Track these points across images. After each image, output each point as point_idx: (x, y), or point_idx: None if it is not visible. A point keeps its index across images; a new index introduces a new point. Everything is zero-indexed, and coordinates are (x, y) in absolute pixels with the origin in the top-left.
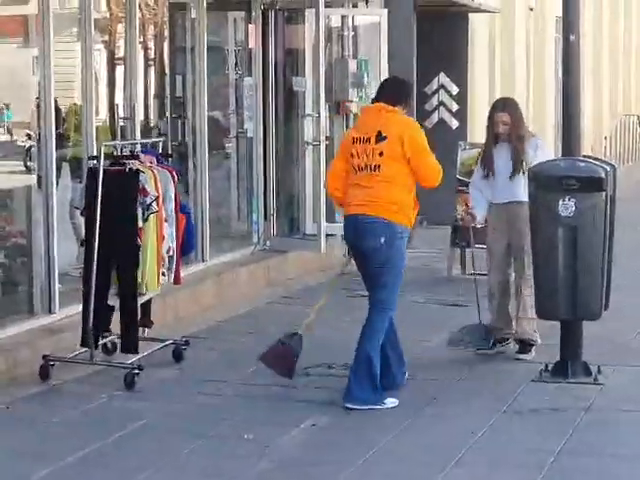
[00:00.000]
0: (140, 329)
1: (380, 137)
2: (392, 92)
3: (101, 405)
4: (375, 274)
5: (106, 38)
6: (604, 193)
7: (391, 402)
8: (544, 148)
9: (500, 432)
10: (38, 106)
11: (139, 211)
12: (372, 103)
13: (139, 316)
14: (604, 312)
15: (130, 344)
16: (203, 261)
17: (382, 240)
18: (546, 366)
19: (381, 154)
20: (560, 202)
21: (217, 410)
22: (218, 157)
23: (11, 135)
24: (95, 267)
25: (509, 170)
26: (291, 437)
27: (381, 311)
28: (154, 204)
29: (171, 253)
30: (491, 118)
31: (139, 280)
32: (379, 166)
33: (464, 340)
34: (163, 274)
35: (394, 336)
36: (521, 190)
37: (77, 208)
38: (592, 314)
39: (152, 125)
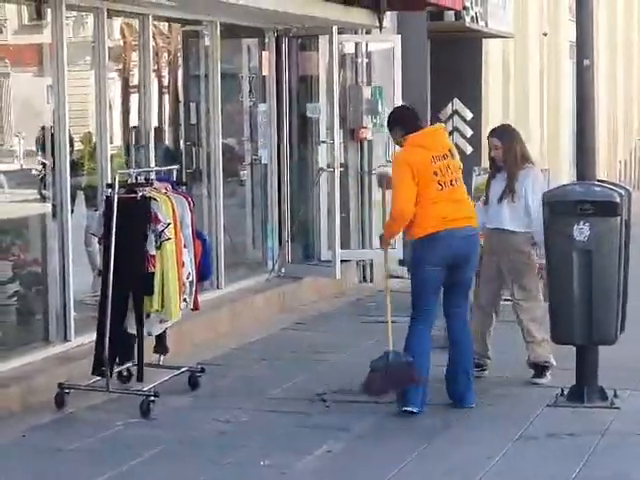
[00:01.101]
0: (157, 356)
1: (452, 153)
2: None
3: (117, 433)
4: (470, 281)
5: (120, 66)
6: (619, 217)
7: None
8: (537, 179)
9: (516, 457)
10: (52, 135)
11: (151, 238)
12: (410, 130)
13: (155, 343)
14: (619, 336)
15: (141, 373)
16: (218, 288)
17: (479, 250)
18: (562, 391)
19: (459, 168)
20: (575, 226)
21: (233, 437)
22: (232, 184)
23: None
24: (110, 295)
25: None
26: (307, 463)
27: (467, 314)
28: (167, 231)
29: (191, 279)
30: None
31: (157, 307)
32: (459, 179)
33: None
34: (184, 300)
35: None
36: (507, 218)
37: (94, 235)
38: (608, 338)
39: (166, 152)
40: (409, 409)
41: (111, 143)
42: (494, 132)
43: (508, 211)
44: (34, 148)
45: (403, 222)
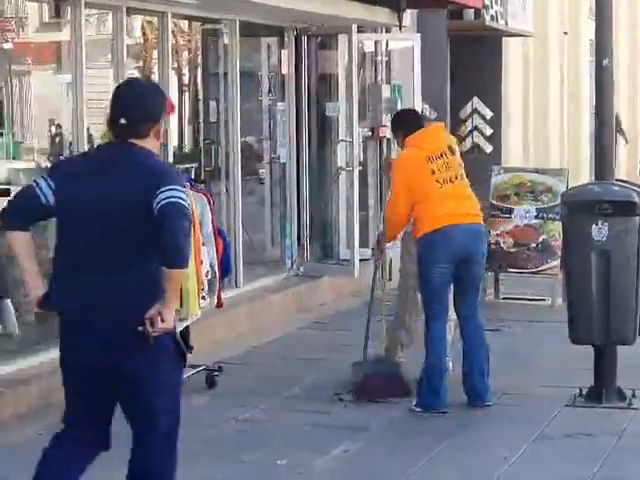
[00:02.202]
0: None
1: (452, 150)
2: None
3: None
4: (479, 277)
5: (139, 64)
6: (638, 217)
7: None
8: None
9: (533, 458)
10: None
11: None
12: (410, 131)
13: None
14: (638, 336)
15: None
16: (236, 286)
17: (486, 245)
18: (580, 391)
19: (460, 164)
20: (593, 226)
21: (250, 436)
22: (251, 182)
23: (48, 161)
24: None
25: None
26: (324, 463)
27: (480, 311)
28: None
29: (210, 277)
30: None
31: (177, 305)
32: (462, 175)
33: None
34: (203, 298)
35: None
36: None
37: None
38: (626, 339)
39: (185, 151)
40: (441, 410)
41: None
42: None
43: None
44: (51, 145)
45: (394, 227)
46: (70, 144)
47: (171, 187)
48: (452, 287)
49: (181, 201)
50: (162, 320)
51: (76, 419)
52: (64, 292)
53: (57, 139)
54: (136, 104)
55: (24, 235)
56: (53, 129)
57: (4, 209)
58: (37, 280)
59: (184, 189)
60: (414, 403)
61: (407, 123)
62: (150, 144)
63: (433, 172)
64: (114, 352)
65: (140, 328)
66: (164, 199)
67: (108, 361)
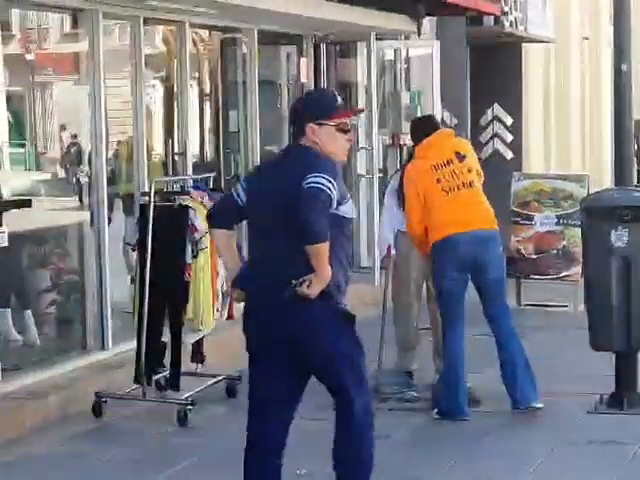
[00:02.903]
0: (194, 365)
1: (460, 156)
2: (436, 123)
3: (154, 441)
4: (496, 283)
5: (158, 74)
6: None
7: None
8: None
9: (555, 465)
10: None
11: (188, 247)
12: (420, 140)
13: (192, 352)
14: None
15: (174, 381)
16: None
17: (501, 249)
18: (601, 398)
19: (469, 171)
20: (613, 232)
21: None
22: None
23: (67, 172)
24: (147, 304)
25: None
26: None
27: (509, 313)
28: (204, 240)
29: (225, 289)
30: None
31: (192, 316)
32: (472, 182)
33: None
34: (217, 310)
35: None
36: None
37: (129, 244)
38: None
39: (205, 160)
40: (462, 418)
41: (149, 151)
42: None
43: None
44: (66, 155)
45: (415, 239)
46: (89, 154)
47: (314, 174)
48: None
49: (317, 185)
50: (308, 286)
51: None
52: (247, 276)
53: (74, 149)
54: (292, 111)
55: (224, 232)
56: (68, 137)
57: (210, 210)
58: (232, 269)
59: (329, 176)
60: (435, 411)
61: (415, 132)
62: (310, 142)
63: (438, 181)
64: (287, 325)
65: (293, 282)
66: (305, 185)
67: (283, 332)
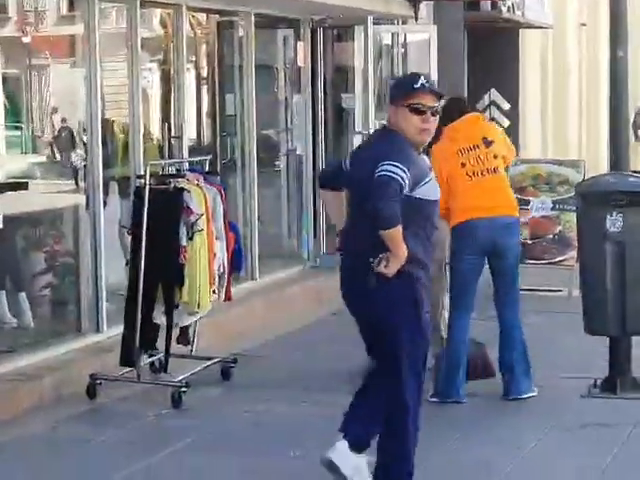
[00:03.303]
0: (189, 347)
1: (488, 142)
2: (465, 106)
3: (148, 423)
4: (511, 270)
5: (154, 57)
6: None
7: (536, 390)
8: None
9: (548, 448)
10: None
11: (183, 230)
12: (451, 120)
13: (178, 333)
14: None
15: (164, 362)
16: (253, 279)
17: (518, 236)
18: (595, 382)
19: (495, 157)
20: (608, 217)
21: (265, 428)
22: (268, 175)
23: (61, 155)
24: (141, 286)
25: None
26: None
27: (518, 303)
28: (200, 222)
29: (222, 270)
30: None
31: (187, 299)
32: (497, 168)
33: None
34: (214, 292)
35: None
36: None
37: (124, 227)
38: None
39: (201, 143)
40: (458, 400)
41: (145, 134)
42: None
43: None
44: (61, 139)
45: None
46: (85, 137)
47: (387, 162)
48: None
49: (388, 173)
50: (385, 266)
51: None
52: (341, 239)
53: (65, 133)
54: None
55: (332, 193)
56: (59, 121)
57: (321, 172)
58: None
59: (400, 163)
60: (430, 394)
61: (443, 113)
62: (394, 127)
63: (463, 165)
64: (362, 301)
65: (371, 260)
66: (377, 173)
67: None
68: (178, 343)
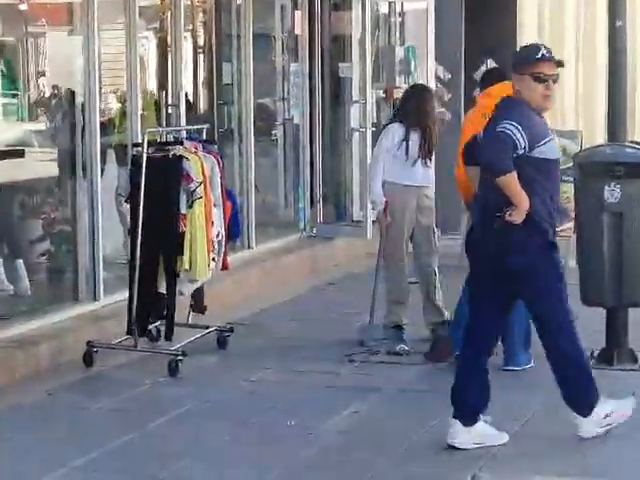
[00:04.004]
0: (186, 315)
1: None
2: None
3: (144, 392)
4: None
5: (152, 25)
6: None
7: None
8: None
9: (545, 420)
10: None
11: (183, 197)
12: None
13: (193, 301)
14: None
15: (169, 332)
16: (249, 248)
17: None
18: (592, 353)
19: None
20: (606, 188)
21: (260, 397)
22: (264, 144)
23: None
24: (140, 254)
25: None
26: (334, 424)
27: None
28: (199, 190)
29: (220, 238)
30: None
31: (187, 267)
32: None
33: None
34: (213, 259)
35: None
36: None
37: (121, 196)
38: (638, 301)
39: (198, 112)
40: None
41: (142, 102)
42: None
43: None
44: (50, 106)
45: (461, 184)
46: (82, 105)
47: (503, 121)
48: None
49: (501, 129)
50: (510, 215)
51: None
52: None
53: (55, 100)
54: None
55: (476, 168)
56: (50, 88)
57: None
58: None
59: (516, 123)
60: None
61: (481, 82)
62: (518, 95)
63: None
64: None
65: (497, 214)
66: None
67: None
68: (193, 311)
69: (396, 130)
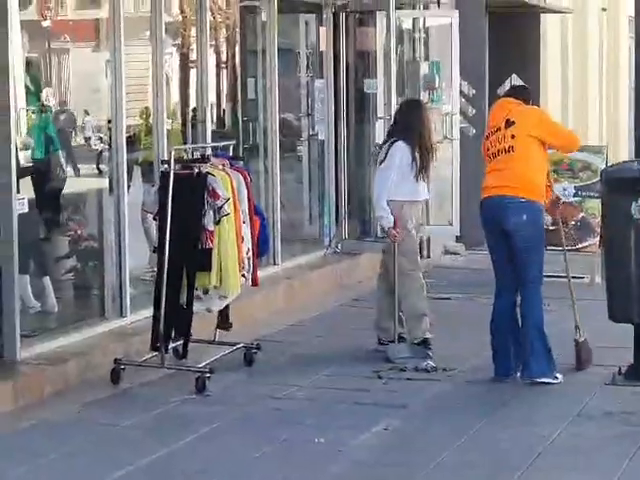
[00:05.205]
0: (213, 332)
1: (509, 123)
2: (514, 93)
3: (172, 409)
4: (520, 252)
5: (178, 41)
6: None
7: (560, 378)
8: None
9: (573, 436)
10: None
11: (209, 214)
12: None
13: (220, 319)
14: None
15: (183, 350)
16: (275, 264)
17: (524, 217)
18: (620, 369)
19: (513, 137)
20: (633, 204)
21: (289, 414)
22: (290, 160)
23: (85, 140)
24: (166, 271)
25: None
26: (363, 440)
27: (536, 287)
28: (226, 206)
29: (249, 255)
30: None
31: (216, 283)
32: (512, 147)
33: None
34: (243, 276)
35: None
36: None
37: (148, 212)
38: None
39: (223, 128)
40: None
41: (168, 119)
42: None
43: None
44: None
45: None
46: (109, 121)
47: None
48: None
49: None
50: None
51: None
52: None
53: (63, 115)
54: None
55: None
56: (92, 107)
57: None
58: None
59: None
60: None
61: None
62: None
63: (488, 148)
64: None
65: None
66: None
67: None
68: (219, 328)
69: (404, 149)
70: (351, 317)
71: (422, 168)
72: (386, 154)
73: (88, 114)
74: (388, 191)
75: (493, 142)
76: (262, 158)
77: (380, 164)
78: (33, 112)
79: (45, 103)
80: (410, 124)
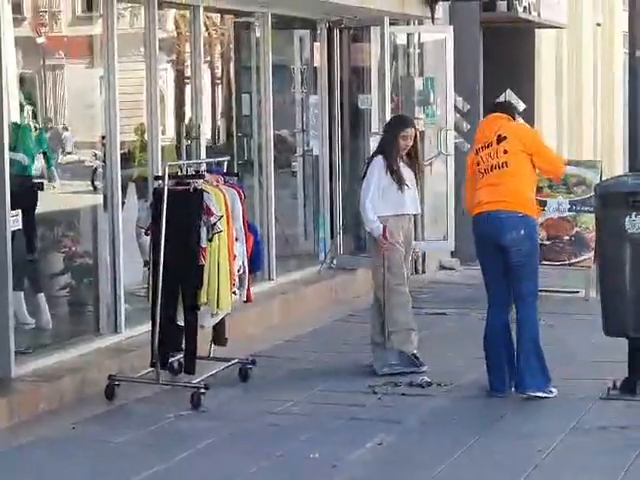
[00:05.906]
0: (208, 348)
1: (500, 138)
2: (501, 108)
3: (167, 425)
4: (516, 267)
5: (172, 57)
6: None
7: (555, 392)
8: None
9: (568, 450)
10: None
11: (203, 231)
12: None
13: (214, 335)
14: None
15: (188, 365)
16: (270, 279)
17: (522, 232)
18: (614, 384)
19: (505, 152)
20: (627, 219)
21: (284, 429)
22: (284, 175)
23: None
24: (161, 287)
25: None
26: (358, 456)
27: (532, 301)
28: (219, 224)
29: (242, 271)
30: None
31: (205, 299)
32: (506, 162)
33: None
34: (234, 293)
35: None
36: None
37: (142, 228)
38: None
39: (217, 144)
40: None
41: (162, 135)
42: (412, 123)
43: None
44: (88, 140)
45: (469, 215)
46: (103, 137)
47: None
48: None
49: None
50: None
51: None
52: None
53: (51, 132)
54: None
55: None
56: (87, 123)
57: None
58: None
59: None
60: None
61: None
62: None
63: (478, 163)
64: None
65: None
66: None
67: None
68: (215, 344)
69: (381, 163)
70: (346, 332)
71: (402, 179)
72: (366, 170)
73: (67, 130)
74: (375, 207)
75: (485, 157)
76: (257, 174)
77: (362, 179)
78: (27, 128)
79: (38, 119)
80: (388, 139)
